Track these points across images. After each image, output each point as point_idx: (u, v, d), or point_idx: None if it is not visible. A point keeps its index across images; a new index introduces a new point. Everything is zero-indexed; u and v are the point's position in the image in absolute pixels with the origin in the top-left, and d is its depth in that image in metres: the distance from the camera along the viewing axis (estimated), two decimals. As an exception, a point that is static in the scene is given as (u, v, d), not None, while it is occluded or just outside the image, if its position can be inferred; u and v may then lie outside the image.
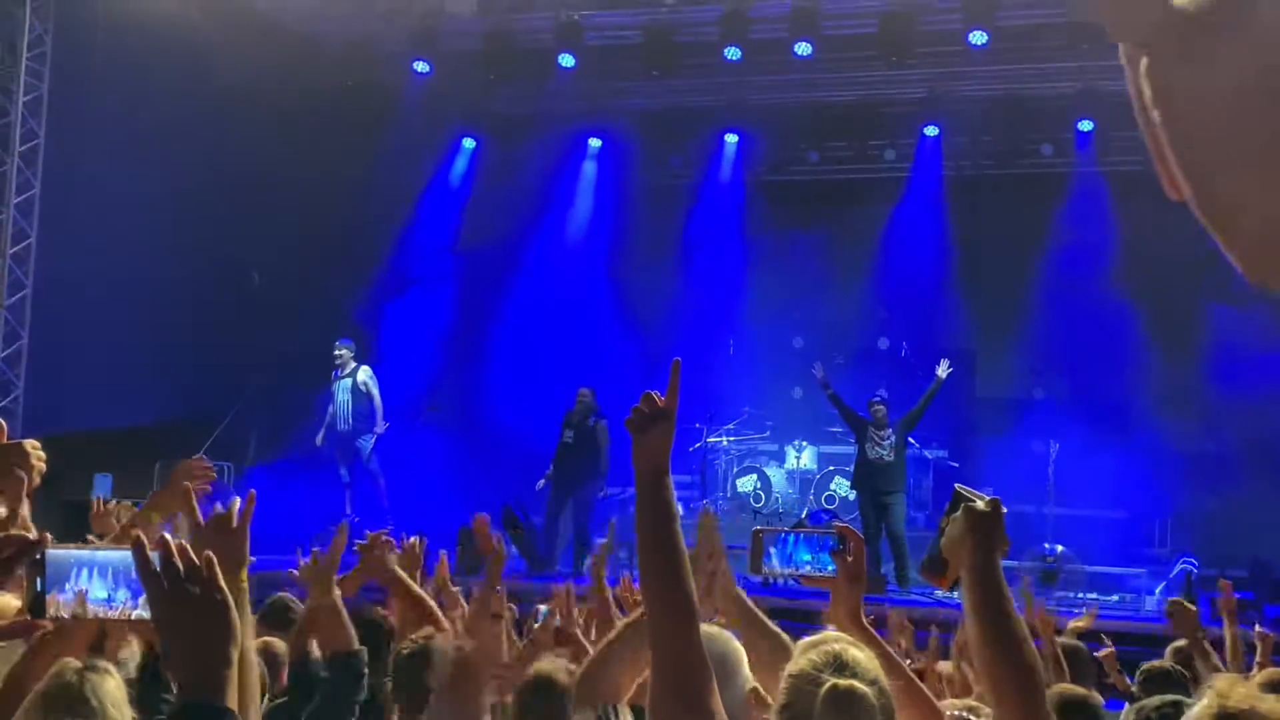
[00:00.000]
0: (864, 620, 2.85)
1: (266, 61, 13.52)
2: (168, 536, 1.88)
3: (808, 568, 2.91)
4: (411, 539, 5.35)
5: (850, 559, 2.88)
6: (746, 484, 15.06)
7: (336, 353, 14.52)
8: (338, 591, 4.08)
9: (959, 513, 2.47)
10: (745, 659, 3.04)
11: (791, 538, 3.00)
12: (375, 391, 14.49)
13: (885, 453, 13.05)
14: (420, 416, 16.08)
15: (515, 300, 16.75)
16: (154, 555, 1.88)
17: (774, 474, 15.25)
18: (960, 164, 16.18)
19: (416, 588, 4.92)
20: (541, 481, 13.73)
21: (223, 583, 1.90)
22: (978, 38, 13.36)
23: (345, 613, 4.06)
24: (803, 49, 13.91)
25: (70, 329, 13.22)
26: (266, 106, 13.76)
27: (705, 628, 3.09)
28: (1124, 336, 14.74)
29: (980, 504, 2.46)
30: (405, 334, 15.96)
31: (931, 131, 15.98)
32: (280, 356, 14.98)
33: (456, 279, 17.11)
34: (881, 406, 13.20)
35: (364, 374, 14.50)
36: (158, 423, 13.84)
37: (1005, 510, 2.46)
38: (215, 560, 1.90)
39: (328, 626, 4.05)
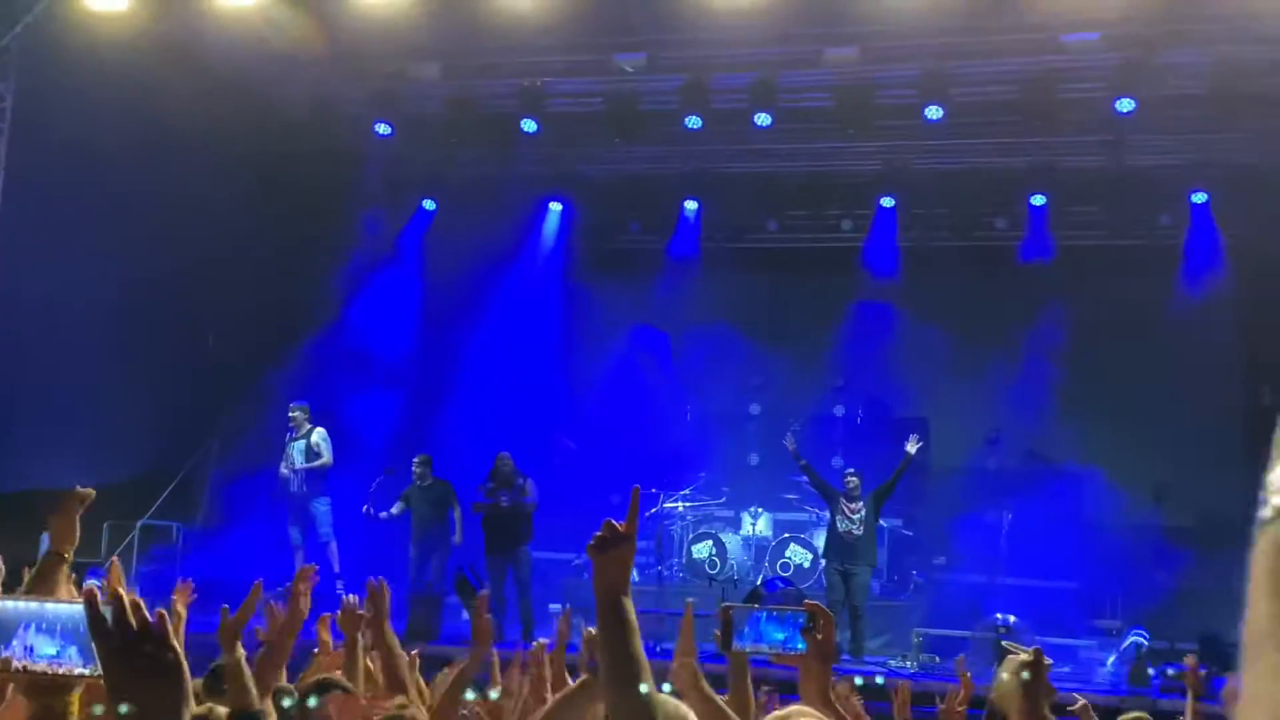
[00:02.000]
0: (833, 698, 2.86)
1: (227, 123, 13.53)
2: (122, 591, 1.84)
3: (780, 646, 2.90)
4: (350, 596, 5.30)
5: (820, 637, 2.88)
6: (701, 550, 15.01)
7: (291, 414, 14.42)
8: (241, 650, 4.04)
9: (1006, 666, 2.56)
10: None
11: (763, 615, 3.00)
12: (327, 453, 14.39)
13: (854, 527, 13.16)
14: (375, 479, 15.97)
15: (474, 362, 16.73)
16: (106, 610, 1.84)
17: (729, 540, 15.22)
18: (915, 235, 16.38)
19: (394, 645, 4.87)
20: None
21: (176, 642, 1.87)
22: (934, 112, 13.58)
23: (249, 671, 4.02)
24: (762, 119, 14.09)
25: (19, 387, 13.07)
26: (227, 167, 13.75)
27: (664, 699, 3.09)
28: (1077, 408, 14.90)
29: (1024, 657, 2.55)
30: (361, 396, 15.87)
31: (887, 203, 16.19)
32: (233, 418, 14.86)
33: (414, 341, 17.09)
34: (855, 479, 13.30)
35: (317, 435, 14.40)
36: (106, 483, 13.64)
37: (1048, 663, 2.55)
38: (168, 618, 1.87)
39: (231, 685, 4.01)
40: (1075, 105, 13.66)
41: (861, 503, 13.20)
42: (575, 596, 14.32)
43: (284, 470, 14.38)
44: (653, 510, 15.24)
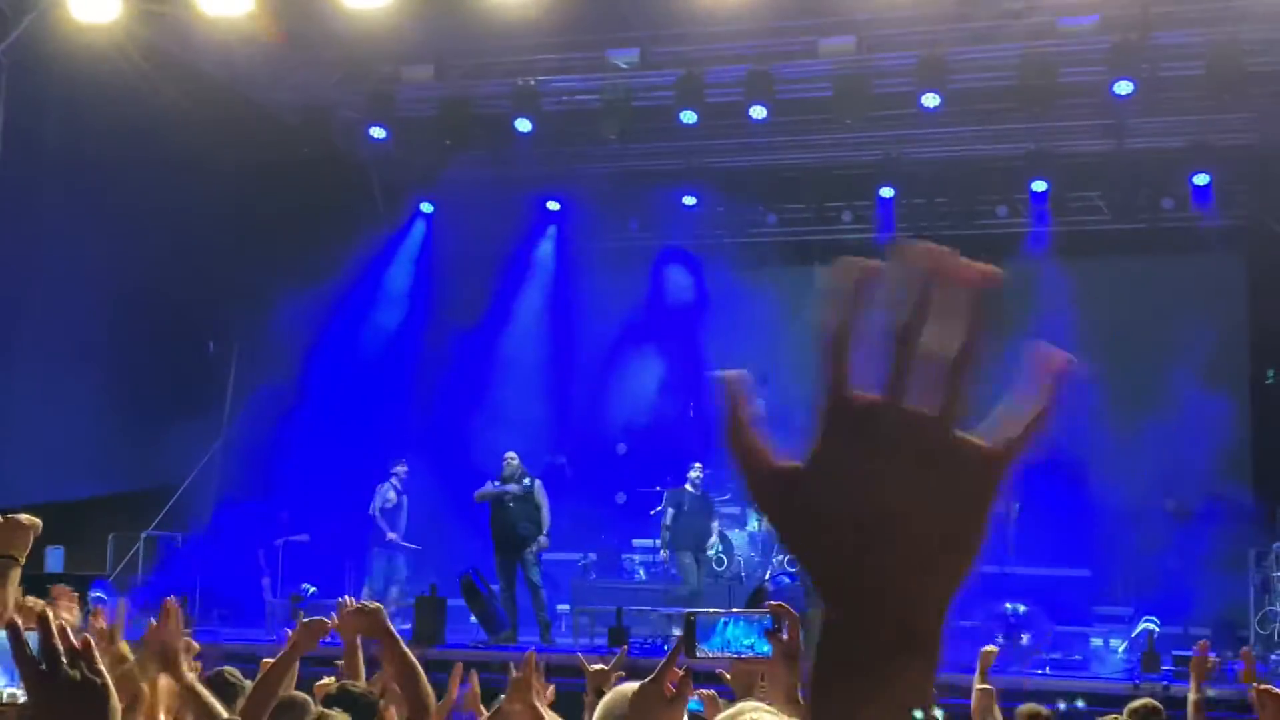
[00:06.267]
0: (800, 700, 2.79)
1: (221, 129, 13.46)
2: (49, 615, 1.79)
3: (745, 650, 2.84)
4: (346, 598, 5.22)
5: (786, 638, 2.82)
6: (708, 548, 14.92)
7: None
8: (190, 676, 3.97)
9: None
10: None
11: (728, 620, 2.94)
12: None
13: None
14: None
15: (474, 363, 16.66)
16: (30, 636, 1.79)
17: (736, 537, 15.13)
18: (916, 225, 16.29)
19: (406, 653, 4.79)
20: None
21: (102, 665, 1.81)
22: (930, 100, 13.50)
23: (204, 692, 3.96)
24: (758, 112, 14.02)
25: (19, 399, 13.02)
26: (221, 173, 13.69)
27: (619, 689, 3.02)
28: (1083, 395, 14.80)
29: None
30: (360, 399, 15.82)
31: (887, 193, 16.10)
32: (234, 427, 14.82)
33: (414, 343, 17.02)
34: None
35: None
36: (110, 495, 13.63)
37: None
38: (92, 642, 1.81)
39: (191, 707, 3.95)
40: (1073, 89, 13.57)
41: None
42: (583, 596, 14.31)
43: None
44: (659, 509, 15.17)
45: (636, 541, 15.58)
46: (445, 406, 16.43)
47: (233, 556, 14.08)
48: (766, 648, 2.82)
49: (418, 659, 5.44)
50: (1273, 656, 11.77)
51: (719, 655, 2.86)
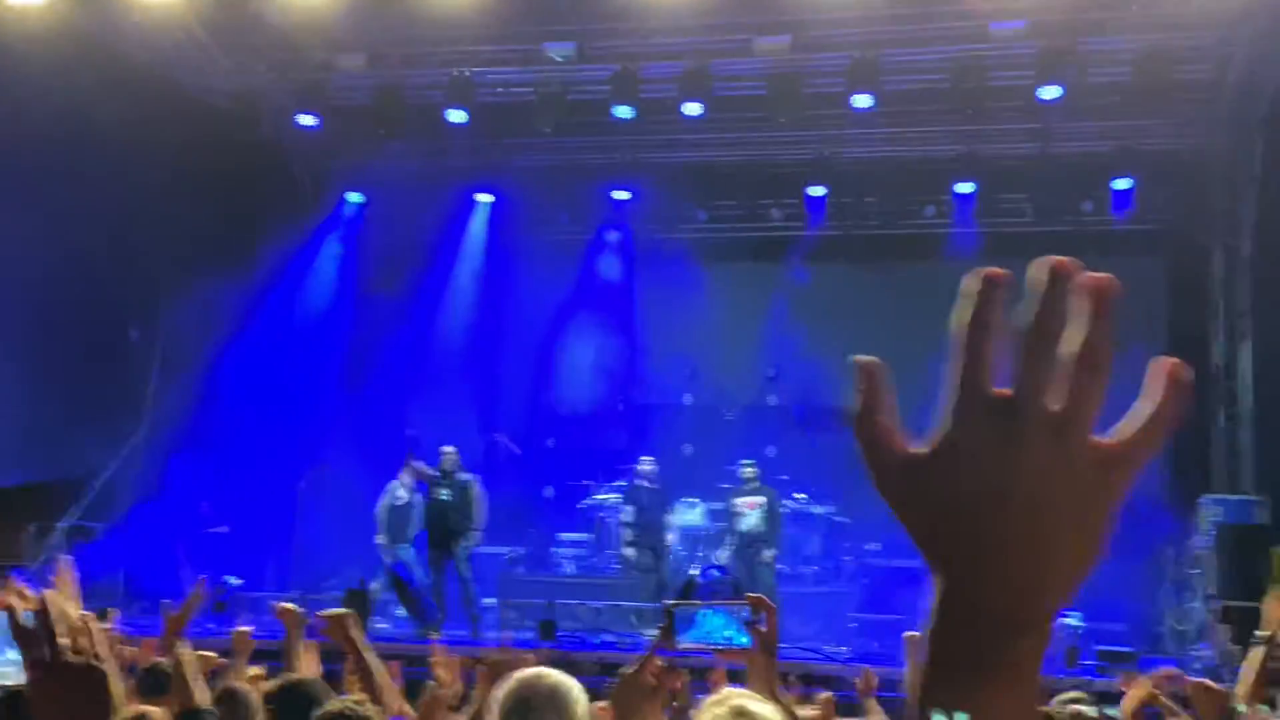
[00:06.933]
0: (778, 690, 2.83)
1: (149, 114, 13.25)
2: (50, 595, 1.75)
3: (724, 641, 2.88)
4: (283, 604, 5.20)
5: (765, 629, 2.85)
6: (632, 552, 14.94)
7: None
8: (183, 651, 3.96)
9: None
10: (580, 697, 2.97)
11: (706, 611, 2.97)
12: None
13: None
14: (306, 475, 15.79)
15: (402, 355, 16.55)
16: (28, 615, 1.75)
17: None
18: (845, 224, 16.43)
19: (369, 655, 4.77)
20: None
21: (105, 651, 1.78)
22: (862, 101, 13.62)
23: (191, 670, 3.94)
24: (692, 109, 14.06)
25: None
26: (148, 159, 13.47)
27: (536, 670, 3.03)
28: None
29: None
30: (286, 391, 15.66)
31: (817, 191, 16.22)
32: (158, 414, 14.61)
33: (342, 333, 16.89)
34: (751, 469, 13.66)
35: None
36: (29, 484, 13.38)
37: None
38: (96, 625, 1.79)
39: (175, 686, 3.93)
40: (1003, 93, 13.76)
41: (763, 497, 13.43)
42: (510, 590, 14.28)
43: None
44: (586, 503, 15.20)
45: (564, 535, 15.58)
46: (371, 396, 16.32)
47: (153, 548, 13.88)
48: (745, 639, 2.85)
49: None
50: (1189, 653, 12.02)
51: (698, 644, 2.89)
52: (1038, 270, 0.82)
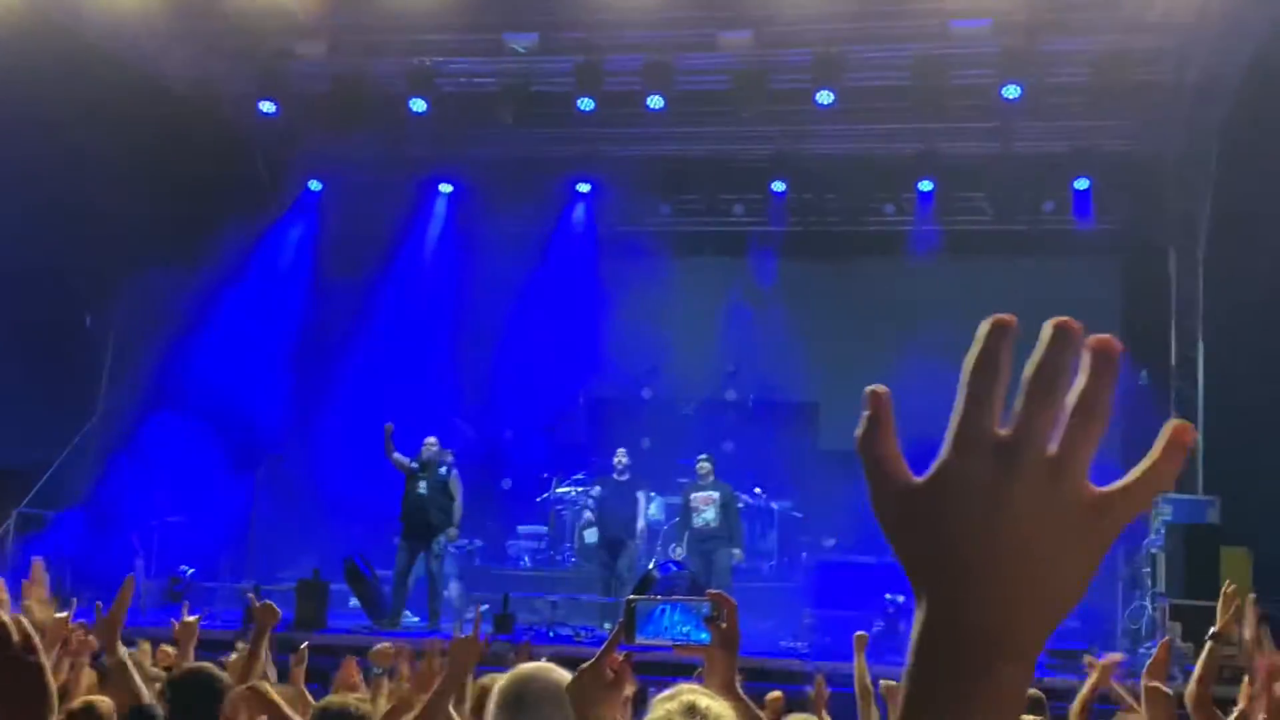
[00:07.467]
0: (738, 688, 2.82)
1: (105, 101, 13.09)
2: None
3: (683, 637, 2.87)
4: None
5: (725, 625, 2.84)
6: (594, 535, 14.96)
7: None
8: (123, 650, 3.90)
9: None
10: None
11: (667, 606, 2.96)
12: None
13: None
14: (262, 466, 15.69)
15: (361, 346, 16.46)
16: None
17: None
18: (806, 220, 16.47)
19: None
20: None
21: (39, 644, 1.76)
22: (825, 97, 13.66)
23: (134, 668, 3.89)
24: (655, 102, 14.06)
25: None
26: (105, 145, 13.32)
27: (535, 665, 3.02)
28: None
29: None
30: (246, 380, 15.53)
31: (778, 187, 16.25)
32: (112, 401, 14.46)
33: (301, 323, 16.77)
34: (707, 464, 13.66)
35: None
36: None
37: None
38: (25, 621, 1.76)
39: (118, 683, 3.87)
40: (964, 92, 13.83)
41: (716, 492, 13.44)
42: (467, 582, 14.25)
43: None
44: (544, 496, 15.17)
45: (522, 528, 15.56)
46: (330, 385, 16.23)
47: (107, 536, 13.74)
48: (704, 635, 2.85)
49: (300, 643, 5.39)
50: (1140, 650, 12.14)
51: (657, 640, 2.88)
52: (1046, 327, 0.87)
